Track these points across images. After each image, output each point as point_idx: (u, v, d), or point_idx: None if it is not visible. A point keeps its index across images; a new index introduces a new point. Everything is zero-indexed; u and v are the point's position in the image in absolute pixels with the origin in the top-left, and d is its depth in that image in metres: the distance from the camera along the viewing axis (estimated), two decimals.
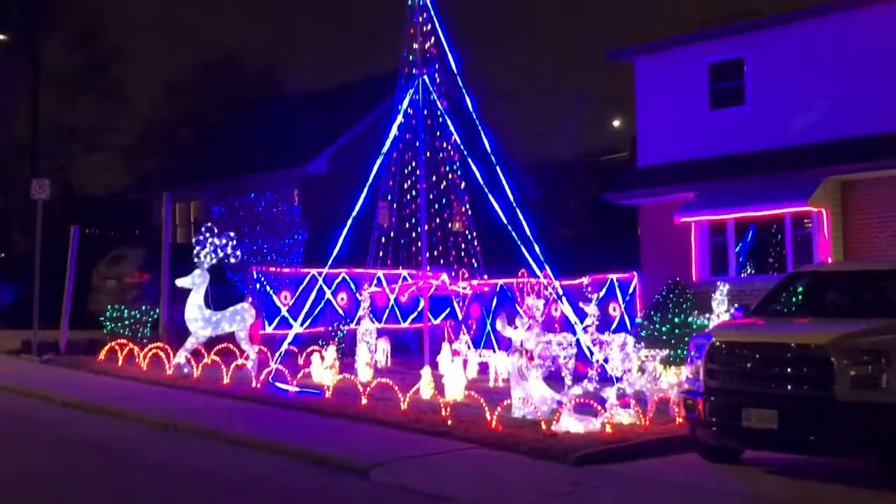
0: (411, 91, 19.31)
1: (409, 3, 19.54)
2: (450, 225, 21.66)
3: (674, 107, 25.19)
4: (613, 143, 49.98)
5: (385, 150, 19.28)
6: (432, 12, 19.38)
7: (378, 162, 19.25)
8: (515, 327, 14.64)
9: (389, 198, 19.80)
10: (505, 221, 19.14)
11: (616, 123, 50.96)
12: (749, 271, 24.27)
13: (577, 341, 18.22)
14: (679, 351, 18.37)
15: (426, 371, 17.18)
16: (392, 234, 20.27)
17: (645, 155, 25.72)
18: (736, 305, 13.57)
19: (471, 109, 19.92)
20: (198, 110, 47.24)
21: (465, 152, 19.70)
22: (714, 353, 11.16)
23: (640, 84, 25.64)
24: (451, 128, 19.69)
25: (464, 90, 19.65)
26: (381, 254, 20.04)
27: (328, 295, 22.33)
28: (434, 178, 20.01)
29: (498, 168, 19.67)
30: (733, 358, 11.02)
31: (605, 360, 17.40)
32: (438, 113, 19.58)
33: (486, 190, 19.32)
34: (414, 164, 19.37)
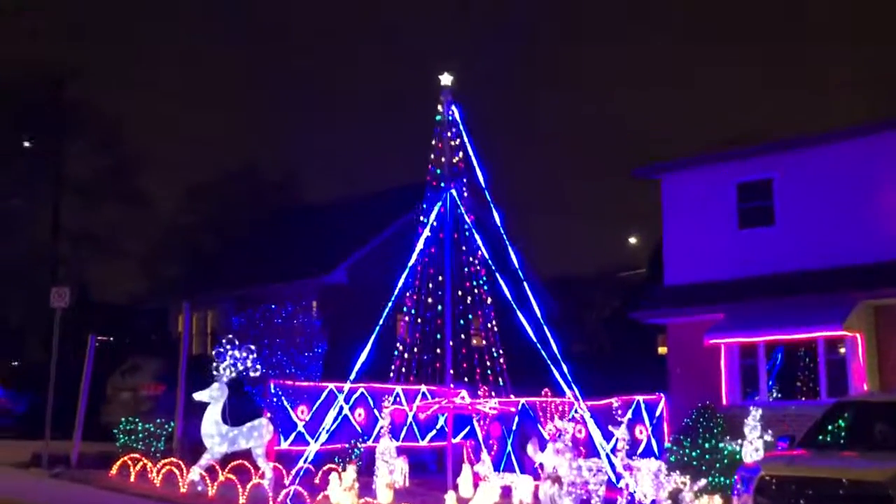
0: (439, 204, 19.16)
1: (438, 118, 19.61)
2: (474, 341, 21.02)
3: (702, 225, 24.76)
4: (631, 258, 49.60)
5: (411, 262, 18.90)
6: (461, 128, 19.33)
7: (403, 275, 18.90)
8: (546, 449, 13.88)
9: (414, 312, 19.14)
10: (534, 339, 18.90)
11: (633, 240, 50.55)
12: (776, 395, 23.45)
13: (608, 465, 17.32)
14: (711, 478, 17.54)
15: (451, 497, 16.39)
16: (416, 349, 19.52)
17: (672, 273, 25.20)
18: (772, 433, 12.84)
19: (498, 224, 20.30)
20: (218, 218, 46.95)
21: (493, 267, 19.42)
22: (763, 487, 10.61)
23: (668, 202, 25.26)
24: (479, 242, 19.41)
25: (492, 205, 19.76)
26: (402, 369, 19.39)
27: (346, 411, 21.44)
28: (460, 292, 19.30)
29: (526, 285, 19.59)
30: (784, 493, 10.51)
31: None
32: (465, 227, 19.34)
33: (514, 306, 19.22)
34: (441, 278, 18.85)
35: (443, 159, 19.08)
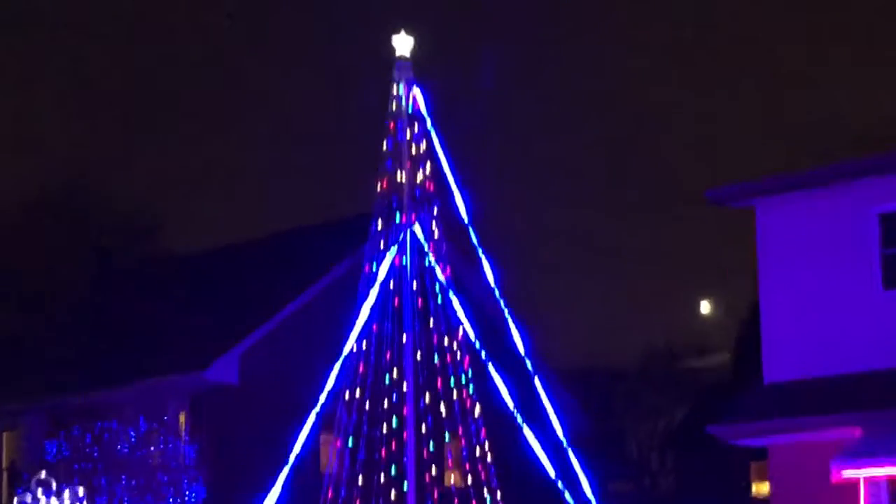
0: (394, 249, 15.32)
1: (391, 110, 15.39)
2: (451, 478, 18.32)
3: (823, 283, 18.86)
4: (703, 338, 38.78)
5: (348, 347, 15.18)
6: (429, 125, 15.21)
7: (335, 368, 15.00)
8: None
9: (352, 433, 15.59)
10: (551, 473, 15.04)
11: (705, 309, 40.18)
12: None
13: None
14: None
15: None
16: (355, 492, 16.09)
17: (775, 363, 19.16)
18: None
19: (490, 282, 15.72)
20: (18, 276, 36.53)
21: (483, 354, 15.33)
22: None
23: (766, 244, 19.22)
24: (460, 312, 15.45)
25: (479, 251, 15.49)
26: None
27: None
28: (428, 396, 15.83)
29: (537, 382, 15.18)
30: None
31: None
32: (437, 286, 15.76)
33: (517, 418, 15.11)
34: (396, 372, 15.33)
35: (399, 177, 15.25)
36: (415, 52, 15.77)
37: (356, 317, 15.48)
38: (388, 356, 15.74)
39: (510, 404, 15.38)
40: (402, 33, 15.57)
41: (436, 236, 15.71)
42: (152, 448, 18.73)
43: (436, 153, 15.22)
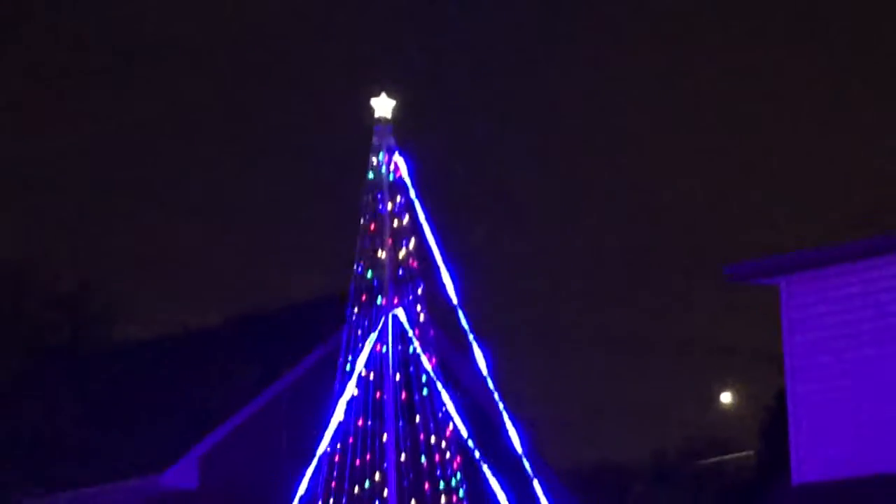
0: (373, 336, 14.10)
1: (371, 176, 14.27)
2: None
3: (858, 370, 16.92)
4: (724, 432, 36.47)
5: (321, 449, 13.92)
6: (412, 195, 14.23)
7: (308, 473, 13.90)
8: None
9: None
10: None
11: (726, 399, 37.35)
12: None
13: None
14: None
15: None
16: None
17: (807, 462, 17.45)
18: None
19: (483, 372, 14.46)
20: None
21: (477, 454, 14.05)
22: None
23: (793, 328, 17.47)
24: (450, 407, 14.16)
25: (471, 336, 14.24)
26: None
27: None
28: (413, 501, 14.48)
29: (537, 486, 14.08)
30: None
31: None
32: (423, 379, 14.46)
33: None
34: (378, 476, 14.12)
35: (380, 253, 14.21)
36: (396, 114, 14.33)
37: (331, 413, 13.99)
38: (367, 458, 14.18)
39: None
40: (383, 95, 14.20)
41: (421, 320, 14.30)
42: None
43: (420, 227, 13.88)
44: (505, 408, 14.06)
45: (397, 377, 13.92)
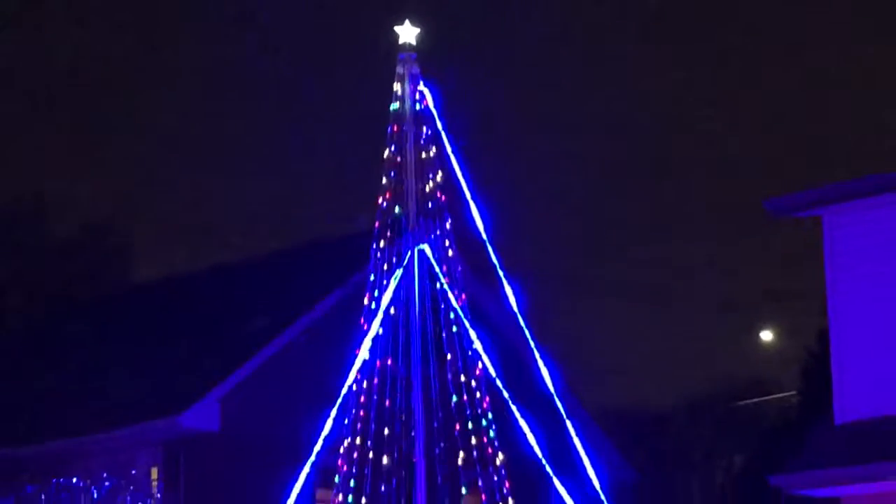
0: (399, 273, 13.99)
1: (394, 107, 13.95)
2: None
3: None
4: (765, 373, 35.69)
5: (346, 389, 13.79)
6: (438, 125, 13.88)
7: (332, 414, 13.77)
8: None
9: (354, 484, 14.13)
10: None
11: (767, 336, 36.69)
12: None
13: None
14: None
15: None
16: None
17: (850, 400, 17.02)
18: None
19: (514, 309, 14.35)
20: None
21: (507, 395, 13.90)
22: None
23: (837, 263, 17.04)
24: (479, 348, 14.00)
25: (502, 275, 14.15)
26: None
27: None
28: (441, 442, 14.33)
29: (570, 426, 13.86)
30: None
31: None
32: (452, 317, 14.26)
33: (549, 470, 13.78)
34: (403, 418, 14.15)
35: (404, 184, 14.13)
36: (421, 43, 14.05)
37: (355, 353, 13.93)
38: (394, 398, 14.25)
39: (538, 452, 13.76)
40: (407, 23, 13.97)
41: (449, 255, 14.20)
42: None
43: (448, 158, 13.72)
44: (536, 346, 13.87)
45: (424, 315, 13.77)
